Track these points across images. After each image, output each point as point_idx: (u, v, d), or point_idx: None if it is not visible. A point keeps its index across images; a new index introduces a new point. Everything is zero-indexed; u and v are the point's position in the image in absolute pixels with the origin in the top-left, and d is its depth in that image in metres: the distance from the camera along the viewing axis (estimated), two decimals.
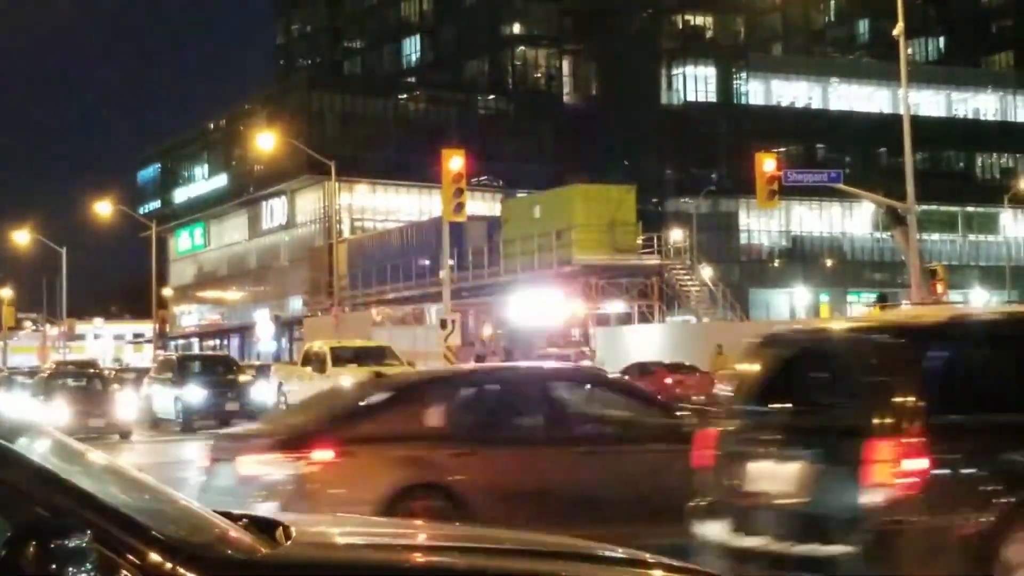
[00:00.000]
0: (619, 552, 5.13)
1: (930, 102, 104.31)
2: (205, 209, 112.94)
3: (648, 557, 5.04)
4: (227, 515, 4.68)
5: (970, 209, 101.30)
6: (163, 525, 4.14)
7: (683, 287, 63.45)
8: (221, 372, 41.83)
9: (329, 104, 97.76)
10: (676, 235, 70.49)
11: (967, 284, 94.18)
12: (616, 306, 64.67)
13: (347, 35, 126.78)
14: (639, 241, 63.65)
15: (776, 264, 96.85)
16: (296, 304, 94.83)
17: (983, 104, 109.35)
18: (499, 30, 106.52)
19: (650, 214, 77.05)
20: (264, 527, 4.64)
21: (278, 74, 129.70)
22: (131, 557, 3.88)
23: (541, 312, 60.03)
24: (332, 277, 70.54)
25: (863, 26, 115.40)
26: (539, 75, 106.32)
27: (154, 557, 3.91)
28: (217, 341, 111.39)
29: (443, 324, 38.48)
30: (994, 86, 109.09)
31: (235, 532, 4.47)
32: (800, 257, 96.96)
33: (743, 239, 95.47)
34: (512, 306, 62.24)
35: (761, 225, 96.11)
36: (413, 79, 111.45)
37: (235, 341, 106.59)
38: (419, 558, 4.71)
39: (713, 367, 45.08)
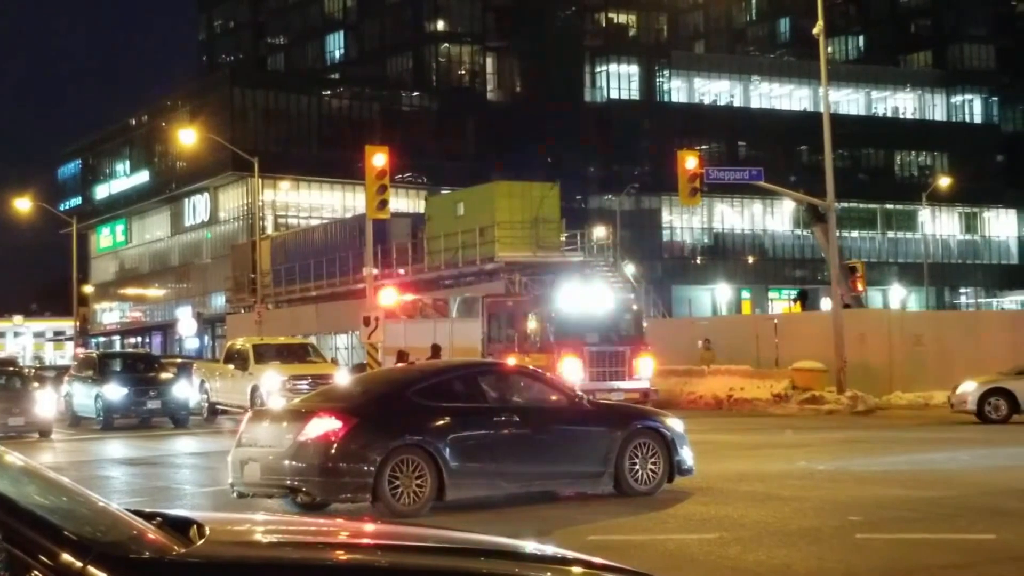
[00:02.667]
0: (545, 550, 5.13)
1: (850, 100, 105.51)
2: (127, 206, 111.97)
3: (571, 555, 5.05)
4: (141, 514, 4.63)
5: (889, 206, 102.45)
6: (75, 525, 4.09)
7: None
8: (142, 370, 41.41)
9: (252, 100, 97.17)
10: (599, 232, 70.70)
11: (886, 281, 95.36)
12: None
13: (270, 31, 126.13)
14: (562, 238, 63.79)
15: (698, 261, 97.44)
16: (219, 301, 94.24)
17: (902, 103, 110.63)
18: (423, 27, 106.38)
19: (574, 211, 77.27)
20: (179, 526, 4.60)
21: (201, 70, 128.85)
22: (42, 557, 3.83)
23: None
24: (255, 274, 70.15)
25: (784, 25, 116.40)
26: (463, 72, 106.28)
27: (66, 557, 3.86)
28: (139, 339, 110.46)
29: (366, 321, 38.31)
30: (913, 85, 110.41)
31: (148, 531, 4.43)
32: (722, 254, 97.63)
33: (666, 236, 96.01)
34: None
35: (683, 222, 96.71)
36: (337, 76, 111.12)
37: (157, 339, 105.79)
38: (341, 556, 4.67)
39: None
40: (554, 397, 17.76)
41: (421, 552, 4.75)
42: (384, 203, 37.01)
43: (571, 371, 34.21)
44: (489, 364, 27.43)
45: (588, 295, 38.36)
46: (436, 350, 33.11)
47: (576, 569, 4.86)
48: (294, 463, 15.63)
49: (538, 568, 4.85)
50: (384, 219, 43.86)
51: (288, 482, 15.74)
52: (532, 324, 36.77)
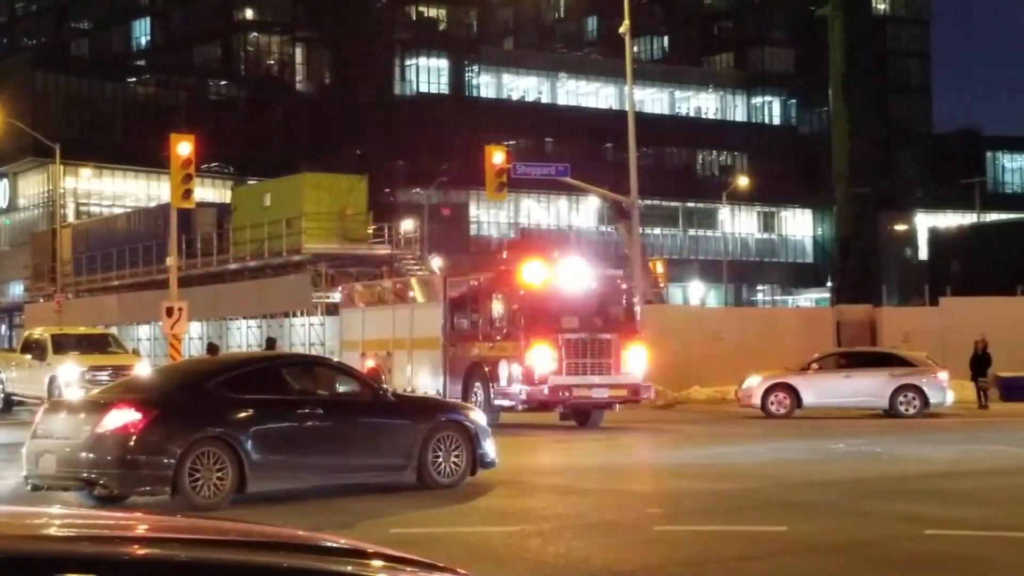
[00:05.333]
0: (340, 542, 5.16)
1: (655, 100, 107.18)
2: None
3: (369, 547, 5.07)
4: None
5: (691, 205, 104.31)
6: None
7: (413, 277, 63.61)
8: None
9: (55, 85, 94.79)
10: (407, 225, 70.71)
11: (687, 277, 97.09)
12: None
13: (74, 15, 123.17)
14: (370, 231, 63.63)
15: (504, 255, 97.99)
16: (17, 290, 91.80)
17: (704, 103, 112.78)
18: (231, 15, 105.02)
19: (382, 204, 77.12)
20: None
21: (1, 53, 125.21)
22: None
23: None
24: (56, 263, 68.52)
25: (592, 23, 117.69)
26: (272, 62, 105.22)
27: None
28: None
29: (169, 312, 37.73)
30: (715, 86, 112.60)
31: None
32: (528, 249, 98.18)
33: (473, 230, 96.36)
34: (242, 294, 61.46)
35: (490, 217, 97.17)
36: (143, 62, 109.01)
37: None
38: (137, 550, 4.63)
39: None
40: (358, 390, 17.76)
41: (220, 546, 4.74)
42: (189, 192, 36.50)
43: (541, 362, 29.78)
44: (292, 356, 27.26)
45: (567, 271, 32.22)
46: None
47: (376, 562, 4.90)
48: (92, 455, 15.36)
49: (338, 562, 4.88)
50: (189, 208, 43.19)
51: (85, 475, 15.46)
52: (497, 306, 31.21)
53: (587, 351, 30.32)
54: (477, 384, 31.20)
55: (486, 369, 30.85)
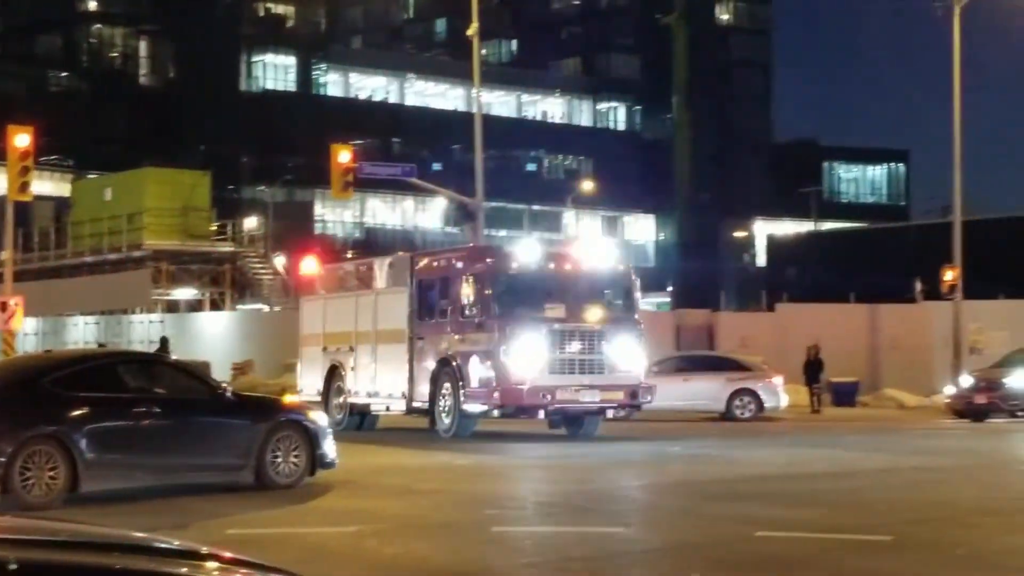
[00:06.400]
0: (174, 544, 5.14)
1: (502, 103, 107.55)
2: None
3: (203, 549, 5.07)
4: None
5: (536, 208, 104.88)
6: None
7: (256, 275, 63.18)
8: None
9: None
10: (251, 223, 70.11)
11: None
12: (187, 292, 63.77)
13: None
14: (213, 227, 63.00)
15: (350, 255, 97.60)
16: None
17: (551, 107, 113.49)
18: (74, 5, 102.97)
19: (226, 201, 76.33)
20: None
21: None
22: None
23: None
24: None
25: (441, 25, 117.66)
26: (115, 55, 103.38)
27: None
28: None
29: (3, 307, 36.92)
30: (562, 90, 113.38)
31: None
32: (373, 249, 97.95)
33: (318, 229, 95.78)
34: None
35: (336, 216, 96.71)
36: None
37: None
38: None
39: None
40: (196, 389, 17.59)
41: (51, 547, 4.70)
42: (26, 185, 35.75)
43: (518, 358, 25.61)
44: (129, 354, 26.79)
45: (553, 252, 28.15)
46: (164, 343, 28.19)
47: (210, 564, 4.89)
48: None
49: (172, 563, 4.87)
50: (26, 202, 42.33)
51: None
52: (468, 291, 26.52)
53: (576, 345, 26.09)
54: (446, 385, 26.75)
55: (455, 366, 26.48)
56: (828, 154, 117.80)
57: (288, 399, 21.09)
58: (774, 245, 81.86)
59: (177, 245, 59.72)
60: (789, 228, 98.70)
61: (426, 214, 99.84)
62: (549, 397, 25.58)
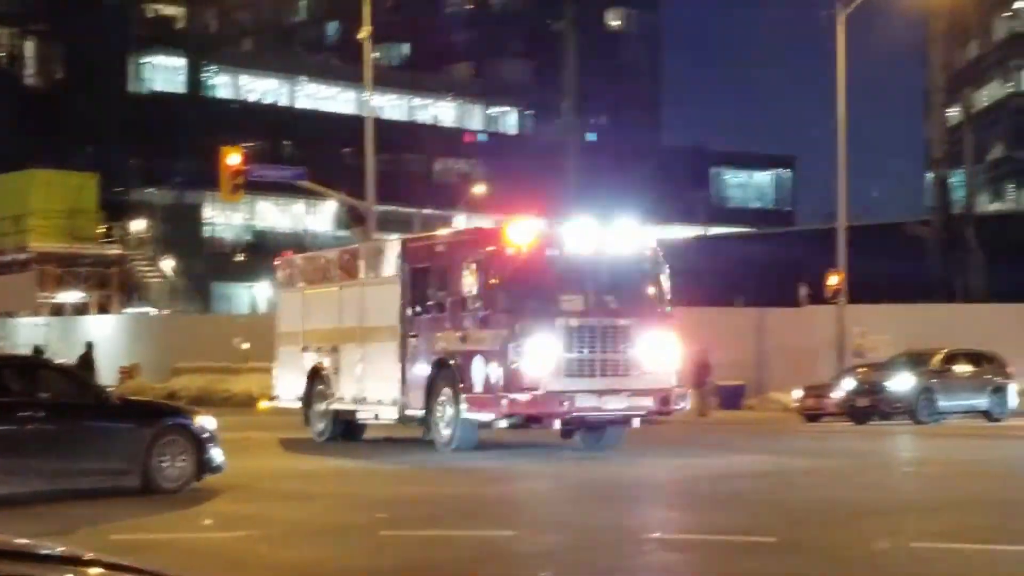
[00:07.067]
0: (57, 549, 5.12)
1: (394, 106, 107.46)
2: None
3: (86, 554, 5.05)
4: None
5: (427, 211, 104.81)
6: None
7: (144, 278, 62.56)
8: None
9: None
10: (139, 225, 69.38)
11: None
12: (74, 295, 62.97)
13: None
14: (100, 230, 62.30)
15: (240, 258, 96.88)
16: None
17: (442, 111, 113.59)
18: None
19: (114, 203, 75.40)
20: None
21: None
22: None
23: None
24: None
25: (333, 28, 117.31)
26: (1, 55, 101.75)
27: None
28: None
29: None
30: (454, 94, 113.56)
31: None
32: (263, 252, 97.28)
33: (207, 232, 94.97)
34: None
35: (225, 219, 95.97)
36: None
37: None
38: None
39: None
40: (80, 392, 17.43)
41: None
42: None
43: (532, 359, 22.38)
44: (10, 357, 26.42)
45: (569, 231, 24.09)
46: (89, 348, 25.76)
47: (93, 570, 4.88)
48: None
49: (54, 569, 4.85)
50: None
51: None
52: (471, 281, 23.15)
53: (598, 344, 22.94)
54: (445, 390, 23.56)
55: (455, 368, 23.35)
56: (716, 160, 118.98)
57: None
58: (662, 250, 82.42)
59: (64, 248, 59.00)
60: (678, 233, 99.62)
61: (317, 217, 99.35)
62: (567, 404, 22.55)
